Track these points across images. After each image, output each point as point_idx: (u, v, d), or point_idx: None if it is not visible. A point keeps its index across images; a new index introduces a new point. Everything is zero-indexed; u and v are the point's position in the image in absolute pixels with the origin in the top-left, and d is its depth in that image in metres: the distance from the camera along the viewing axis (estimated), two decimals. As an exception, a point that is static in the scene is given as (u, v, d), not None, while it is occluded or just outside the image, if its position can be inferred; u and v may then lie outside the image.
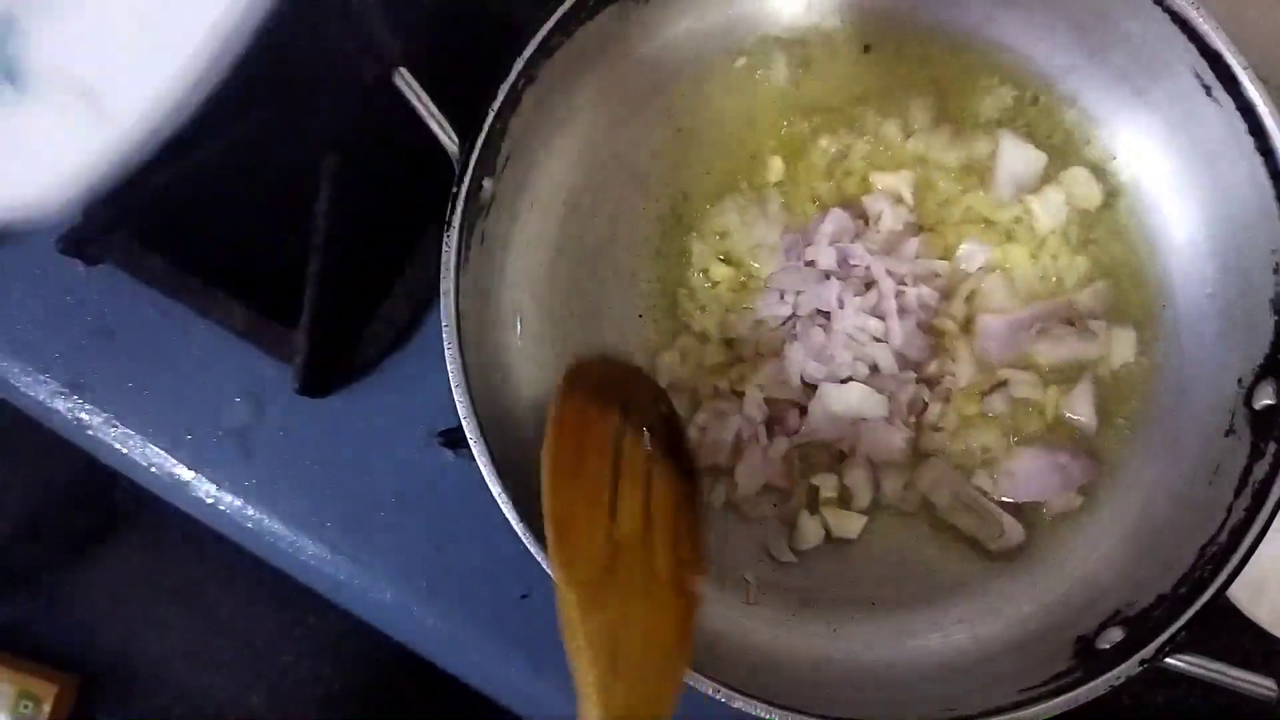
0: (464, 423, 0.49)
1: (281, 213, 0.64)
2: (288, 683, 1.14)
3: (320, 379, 0.63)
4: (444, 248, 0.50)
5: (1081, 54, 0.58)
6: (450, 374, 0.50)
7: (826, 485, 0.58)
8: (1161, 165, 0.58)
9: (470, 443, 0.49)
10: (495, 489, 0.49)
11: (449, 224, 0.50)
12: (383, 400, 0.65)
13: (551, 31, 0.52)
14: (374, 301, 0.65)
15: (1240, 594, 0.62)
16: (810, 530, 0.58)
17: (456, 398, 0.49)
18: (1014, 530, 0.57)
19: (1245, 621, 0.62)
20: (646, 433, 0.53)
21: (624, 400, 0.54)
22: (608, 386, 0.54)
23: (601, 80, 0.60)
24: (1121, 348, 0.59)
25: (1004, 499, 0.58)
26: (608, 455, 0.51)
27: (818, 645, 0.57)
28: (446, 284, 0.50)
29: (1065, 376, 0.59)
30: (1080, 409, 0.58)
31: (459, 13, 0.60)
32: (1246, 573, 0.46)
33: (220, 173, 0.66)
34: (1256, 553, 0.46)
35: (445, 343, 0.50)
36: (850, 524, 0.58)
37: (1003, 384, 0.59)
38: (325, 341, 0.63)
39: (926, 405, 0.58)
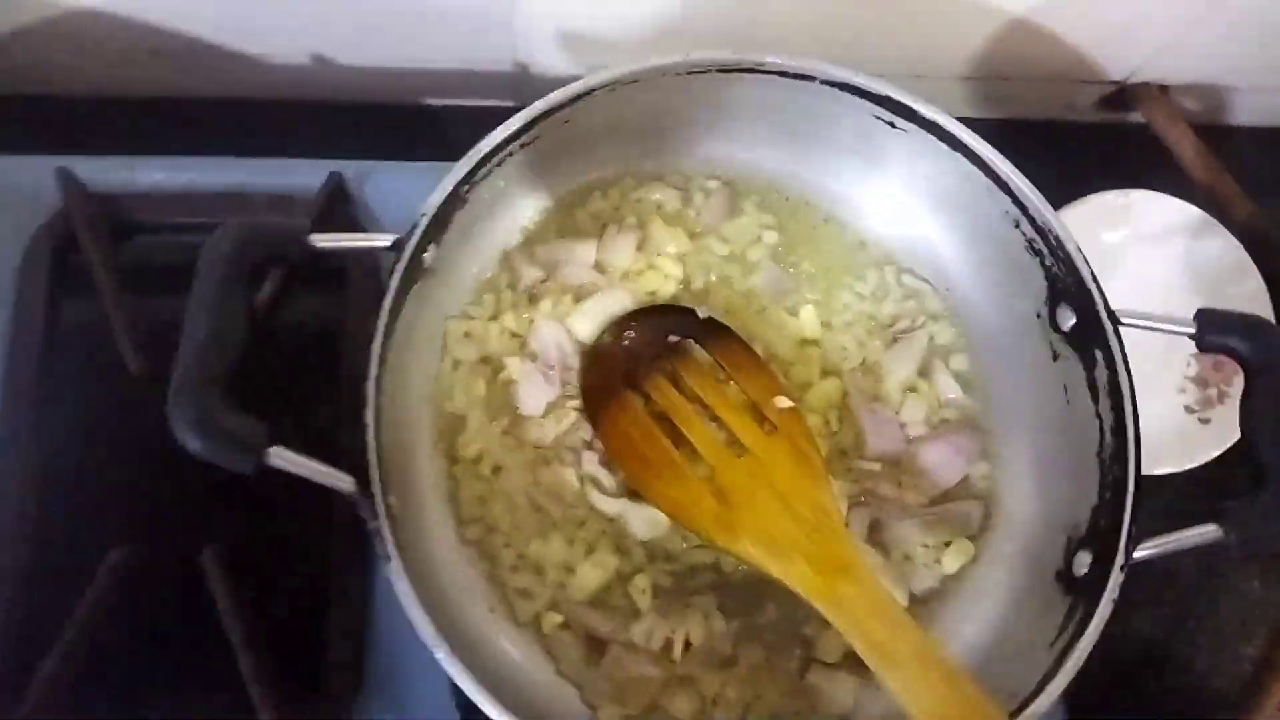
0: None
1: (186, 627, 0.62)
2: None
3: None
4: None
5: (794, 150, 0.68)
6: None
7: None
8: (900, 207, 0.69)
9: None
10: None
11: (388, 556, 0.51)
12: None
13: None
14: (318, 655, 0.63)
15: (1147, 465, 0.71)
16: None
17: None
18: (975, 511, 0.64)
19: (1174, 485, 0.73)
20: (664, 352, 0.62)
21: (627, 365, 0.62)
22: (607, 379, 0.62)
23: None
24: (940, 325, 0.68)
25: (933, 496, 0.65)
26: (655, 431, 0.60)
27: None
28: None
29: (923, 373, 0.67)
30: (947, 387, 0.67)
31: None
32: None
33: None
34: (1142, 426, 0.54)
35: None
36: None
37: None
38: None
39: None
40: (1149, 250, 0.82)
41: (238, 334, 0.50)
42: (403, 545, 0.55)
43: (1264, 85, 0.86)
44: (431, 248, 0.58)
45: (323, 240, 0.54)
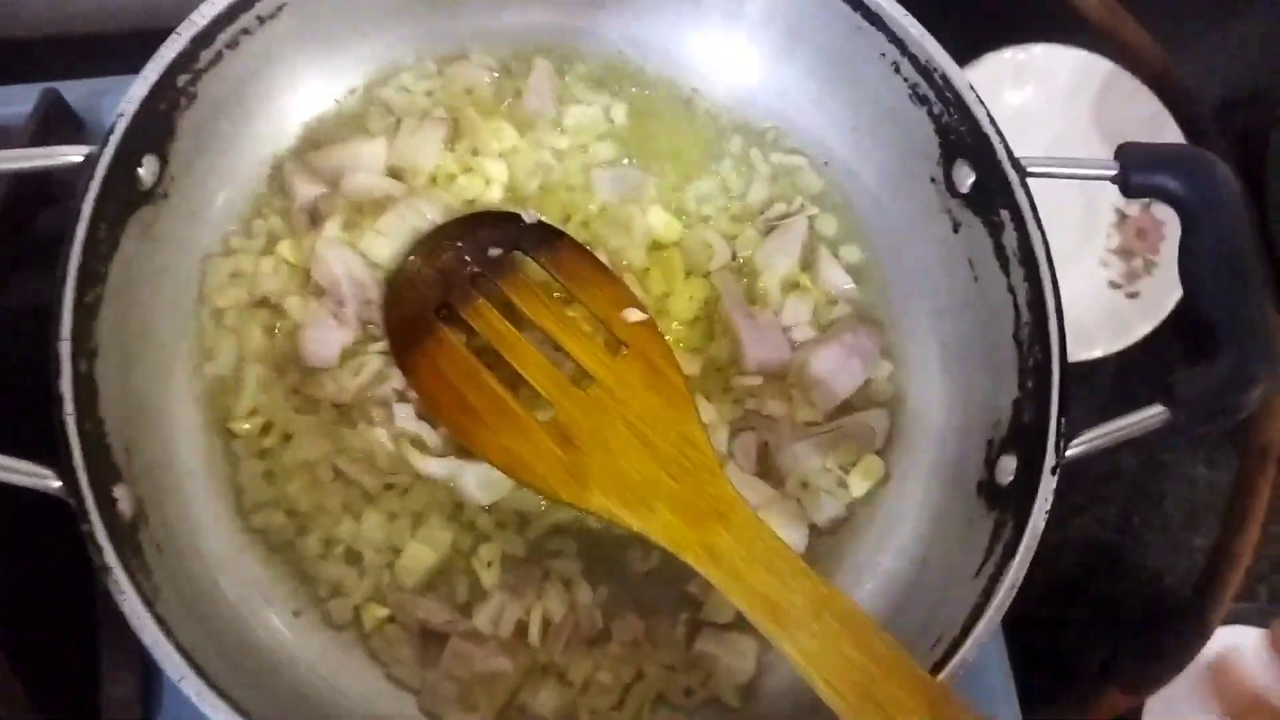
0: None
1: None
2: None
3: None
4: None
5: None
6: None
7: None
8: (759, 66, 0.58)
9: None
10: None
11: (105, 567, 0.39)
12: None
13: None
14: (91, 692, 0.51)
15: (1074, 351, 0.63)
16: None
17: None
18: (880, 421, 0.54)
19: (1106, 374, 0.66)
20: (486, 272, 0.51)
21: (441, 292, 0.51)
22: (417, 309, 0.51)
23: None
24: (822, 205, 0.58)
25: (830, 409, 0.54)
26: (479, 370, 0.49)
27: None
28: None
29: (806, 266, 0.57)
30: (835, 279, 0.57)
31: None
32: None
33: None
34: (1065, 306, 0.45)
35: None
36: None
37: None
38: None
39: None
40: (1057, 109, 0.75)
41: None
42: (160, 547, 0.44)
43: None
44: (150, 160, 0.44)
45: (-22, 161, 0.40)
